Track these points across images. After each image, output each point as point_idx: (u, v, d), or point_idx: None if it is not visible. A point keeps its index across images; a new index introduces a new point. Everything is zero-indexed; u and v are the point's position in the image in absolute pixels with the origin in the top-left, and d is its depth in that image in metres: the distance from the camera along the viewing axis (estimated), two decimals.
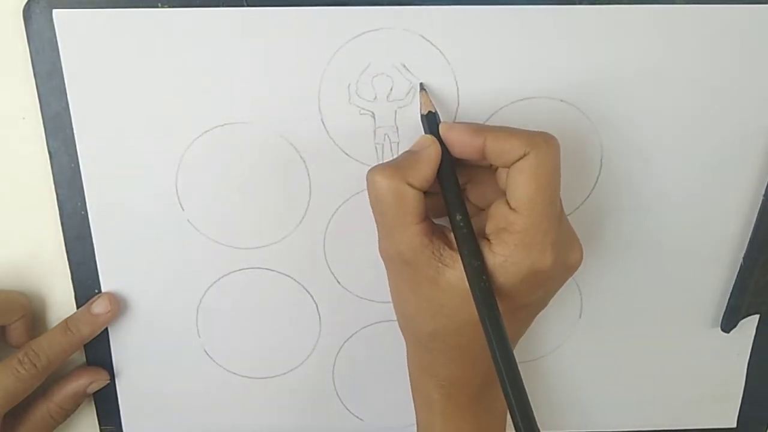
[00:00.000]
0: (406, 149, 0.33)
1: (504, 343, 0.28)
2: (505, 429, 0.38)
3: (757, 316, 0.42)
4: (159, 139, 0.36)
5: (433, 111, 0.33)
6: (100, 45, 0.34)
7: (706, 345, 0.43)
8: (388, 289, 0.36)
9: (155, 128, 0.36)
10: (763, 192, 0.38)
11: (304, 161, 0.37)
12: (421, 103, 0.34)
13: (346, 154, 0.36)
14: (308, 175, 0.37)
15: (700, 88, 0.36)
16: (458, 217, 0.31)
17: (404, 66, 0.35)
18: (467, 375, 0.34)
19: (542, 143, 0.30)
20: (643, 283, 0.41)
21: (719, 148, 0.37)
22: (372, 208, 0.32)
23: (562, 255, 0.31)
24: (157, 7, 0.33)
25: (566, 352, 0.43)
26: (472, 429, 0.36)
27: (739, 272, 0.40)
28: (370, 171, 0.31)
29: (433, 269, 0.31)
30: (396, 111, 0.36)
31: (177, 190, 0.37)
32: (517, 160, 0.30)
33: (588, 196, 0.38)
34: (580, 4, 0.34)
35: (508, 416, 0.37)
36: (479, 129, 0.31)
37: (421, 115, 0.34)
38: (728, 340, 0.42)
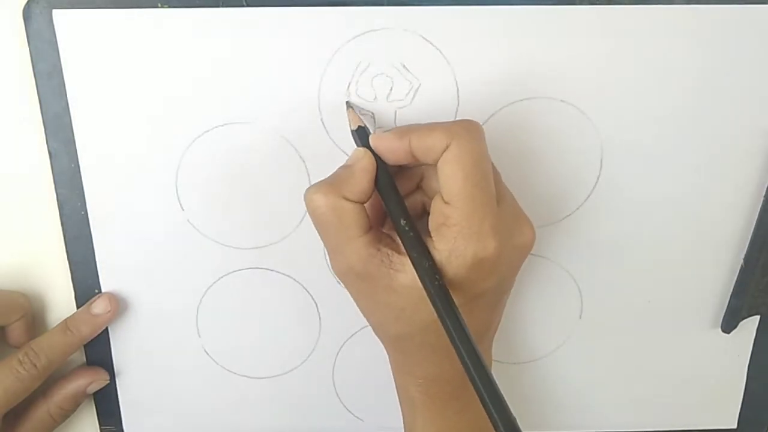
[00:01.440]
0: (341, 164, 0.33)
1: (465, 336, 0.28)
2: None
3: (757, 317, 0.42)
4: (159, 139, 0.36)
5: (362, 125, 0.34)
6: (100, 45, 0.34)
7: (706, 346, 0.43)
8: None
9: (155, 128, 0.36)
10: (763, 192, 0.38)
11: (304, 161, 0.37)
12: (349, 120, 0.34)
13: (346, 154, 0.36)
14: (308, 175, 0.37)
15: (700, 88, 0.36)
16: (402, 222, 0.31)
17: (404, 66, 0.35)
18: (444, 371, 0.34)
19: (462, 132, 0.30)
20: (643, 284, 0.41)
21: (719, 149, 0.37)
22: (315, 227, 0.32)
23: (507, 239, 0.31)
24: (157, 7, 0.33)
25: (566, 352, 0.43)
26: (454, 424, 0.35)
27: (739, 273, 0.40)
28: (307, 190, 0.31)
29: (385, 277, 0.31)
30: (396, 111, 0.36)
31: (177, 190, 0.37)
32: (442, 154, 0.30)
33: (588, 196, 0.38)
34: (581, 4, 0.34)
35: None
36: (403, 132, 0.31)
37: (352, 131, 0.34)
38: (729, 340, 0.42)
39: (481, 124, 0.31)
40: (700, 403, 0.44)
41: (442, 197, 0.30)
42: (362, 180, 0.31)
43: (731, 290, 0.41)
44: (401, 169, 0.34)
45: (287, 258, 0.39)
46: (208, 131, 0.36)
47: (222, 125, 0.36)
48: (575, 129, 0.36)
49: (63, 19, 0.33)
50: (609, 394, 0.44)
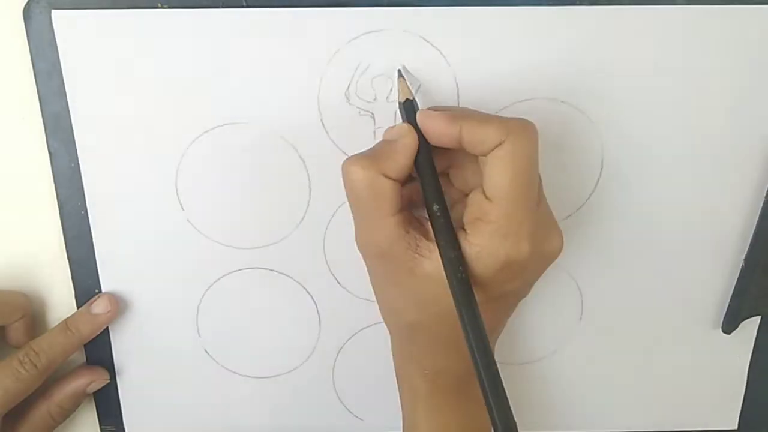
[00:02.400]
0: (383, 138, 0.33)
1: (481, 334, 0.28)
2: None
3: (758, 318, 0.42)
4: (159, 139, 0.36)
5: (411, 98, 0.33)
6: (100, 45, 0.34)
7: (707, 346, 0.43)
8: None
9: (155, 128, 0.36)
10: (764, 193, 0.38)
11: (304, 161, 0.37)
12: (398, 90, 0.34)
13: (346, 154, 0.36)
14: (308, 175, 0.37)
15: (700, 89, 0.36)
16: (435, 207, 0.30)
17: (404, 67, 0.35)
18: (451, 364, 0.34)
19: (519, 130, 0.29)
20: (644, 285, 0.41)
21: (720, 149, 0.37)
22: (348, 199, 0.31)
23: (539, 244, 0.31)
24: (157, 7, 0.33)
25: (567, 353, 0.43)
26: (456, 418, 0.35)
27: (740, 274, 0.40)
28: (345, 161, 0.30)
29: (410, 260, 0.31)
30: (396, 112, 0.35)
31: (177, 190, 0.37)
32: (493, 149, 0.29)
33: (589, 197, 0.38)
34: (581, 4, 0.34)
35: None
36: (455, 117, 0.30)
37: (399, 103, 0.33)
38: (729, 341, 0.42)
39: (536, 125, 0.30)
40: (701, 403, 0.44)
41: (484, 192, 0.30)
42: (403, 158, 0.30)
43: (732, 291, 0.41)
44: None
45: (287, 258, 0.39)
46: (208, 131, 0.36)
47: (222, 125, 0.36)
48: (576, 130, 0.36)
49: (63, 19, 0.33)
50: (609, 395, 0.44)
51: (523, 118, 0.30)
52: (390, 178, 0.30)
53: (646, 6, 0.34)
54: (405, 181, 0.31)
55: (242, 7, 0.33)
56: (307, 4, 0.33)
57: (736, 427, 0.45)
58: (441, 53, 0.34)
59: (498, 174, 0.29)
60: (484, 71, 0.35)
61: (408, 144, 0.31)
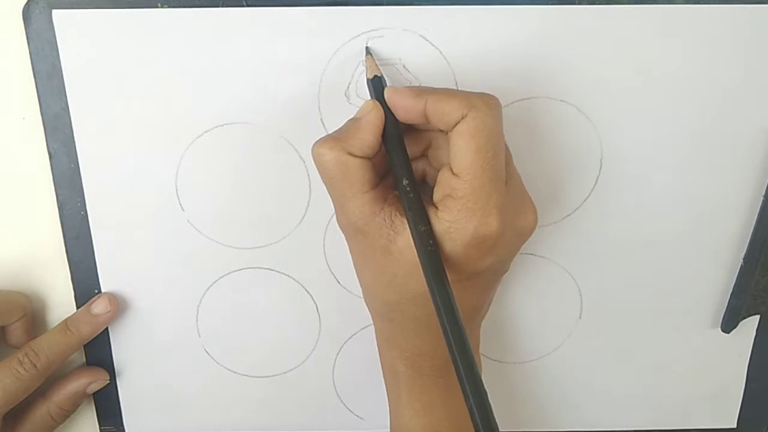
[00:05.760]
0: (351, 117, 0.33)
1: (451, 307, 0.28)
2: None
3: (757, 317, 0.42)
4: (159, 139, 0.36)
5: (379, 75, 0.33)
6: (100, 45, 0.34)
7: (706, 345, 0.43)
8: None
9: (155, 128, 0.36)
10: (763, 192, 0.38)
11: (304, 161, 0.37)
12: (366, 68, 0.34)
13: None
14: (308, 175, 0.37)
15: (700, 88, 0.36)
16: (405, 182, 0.30)
17: (404, 66, 0.35)
18: (430, 346, 0.34)
19: (481, 105, 0.29)
20: (643, 284, 0.41)
21: (719, 149, 0.37)
22: (322, 180, 0.32)
23: (511, 219, 0.31)
24: (157, 7, 0.33)
25: (566, 352, 0.43)
26: (438, 401, 0.35)
27: (739, 273, 0.40)
28: (314, 144, 0.31)
29: (384, 237, 0.31)
30: None
31: (177, 190, 0.37)
32: (457, 123, 0.29)
33: (588, 196, 0.38)
34: (580, 4, 0.34)
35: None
36: (421, 91, 0.30)
37: (367, 80, 0.33)
38: (729, 340, 0.42)
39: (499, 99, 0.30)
40: (700, 402, 0.44)
41: (451, 169, 0.30)
42: (368, 134, 0.31)
43: (731, 290, 0.41)
44: (409, 132, 0.33)
45: (287, 258, 0.39)
46: (208, 131, 0.36)
47: (222, 125, 0.36)
48: (575, 129, 0.36)
49: (62, 19, 0.33)
50: (608, 394, 0.44)
51: (487, 93, 0.30)
52: (356, 156, 0.30)
53: (646, 6, 0.34)
54: (380, 158, 0.32)
55: (242, 6, 0.34)
56: (307, 4, 0.33)
57: (735, 425, 0.45)
58: (441, 52, 0.34)
59: (462, 149, 0.29)
60: (484, 70, 0.35)
61: (371, 120, 0.31)
